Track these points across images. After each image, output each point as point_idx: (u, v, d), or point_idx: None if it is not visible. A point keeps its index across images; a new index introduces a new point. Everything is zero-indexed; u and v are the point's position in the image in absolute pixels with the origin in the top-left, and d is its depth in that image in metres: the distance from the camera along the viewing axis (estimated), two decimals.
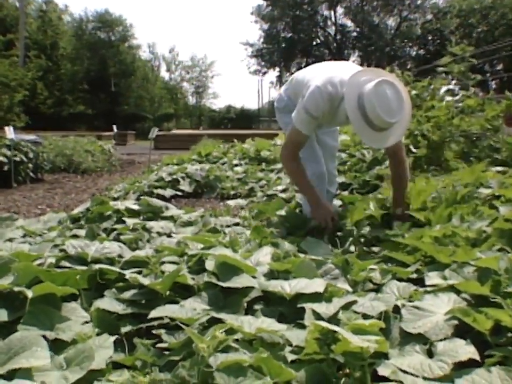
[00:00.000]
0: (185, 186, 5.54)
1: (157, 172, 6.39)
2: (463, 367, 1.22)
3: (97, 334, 1.49)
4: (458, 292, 1.55)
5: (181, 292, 1.81)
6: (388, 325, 1.44)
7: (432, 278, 1.72)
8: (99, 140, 13.01)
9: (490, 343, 1.32)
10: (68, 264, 2.02)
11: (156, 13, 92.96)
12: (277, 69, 42.90)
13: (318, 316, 1.52)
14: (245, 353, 1.29)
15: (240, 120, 37.60)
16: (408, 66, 34.14)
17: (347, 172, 4.55)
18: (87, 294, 1.78)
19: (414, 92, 5.05)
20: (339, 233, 2.67)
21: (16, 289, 1.60)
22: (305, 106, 2.69)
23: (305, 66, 3.40)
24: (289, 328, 1.48)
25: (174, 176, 5.70)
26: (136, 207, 3.43)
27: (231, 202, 4.59)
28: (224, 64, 76.25)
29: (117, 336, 1.49)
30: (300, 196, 3.36)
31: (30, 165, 7.75)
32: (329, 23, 41.82)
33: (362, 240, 2.56)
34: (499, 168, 3.61)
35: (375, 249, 2.35)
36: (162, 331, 1.54)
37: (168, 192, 5.25)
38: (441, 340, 1.33)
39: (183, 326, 1.45)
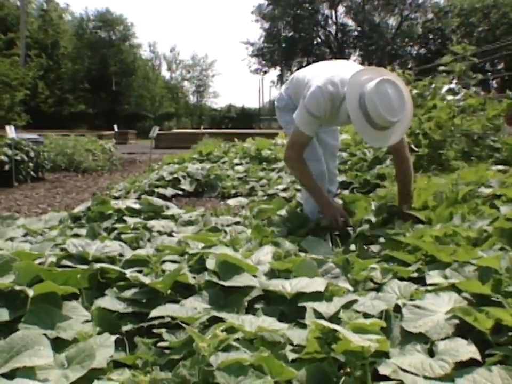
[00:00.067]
0: (186, 185, 5.54)
1: (157, 171, 6.39)
2: (464, 366, 1.22)
3: (98, 333, 1.49)
4: (459, 291, 1.55)
5: (182, 290, 1.81)
6: (389, 324, 1.44)
7: (433, 277, 1.72)
8: (100, 139, 13.03)
9: (491, 342, 1.32)
10: (68, 263, 2.02)
11: (157, 12, 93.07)
12: (278, 68, 42.90)
13: (318, 315, 1.52)
14: (246, 352, 1.29)
15: (241, 119, 37.62)
16: (409, 66, 34.13)
17: (348, 171, 4.55)
18: (88, 293, 1.78)
19: (415, 91, 5.05)
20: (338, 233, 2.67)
21: (17, 288, 1.61)
22: (307, 107, 2.69)
23: (306, 65, 3.40)
24: (290, 327, 1.48)
25: (175, 175, 5.70)
26: (137, 206, 3.43)
27: (232, 202, 4.59)
28: (225, 63, 76.47)
29: (117, 335, 1.49)
30: (301, 195, 3.36)
31: (31, 164, 7.76)
32: (330, 22, 41.83)
33: (363, 239, 2.56)
34: (500, 167, 3.61)
35: (375, 248, 2.35)
36: (163, 330, 1.54)
37: (169, 191, 5.25)
38: (442, 339, 1.33)
39: (184, 325, 1.45)
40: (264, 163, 6.66)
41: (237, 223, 3.25)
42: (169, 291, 1.79)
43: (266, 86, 78.97)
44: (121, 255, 2.18)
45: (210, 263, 1.89)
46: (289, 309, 1.64)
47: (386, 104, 2.42)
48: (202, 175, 5.69)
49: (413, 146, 4.22)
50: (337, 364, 1.29)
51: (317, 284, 1.66)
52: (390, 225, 2.60)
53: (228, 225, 3.12)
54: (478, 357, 1.23)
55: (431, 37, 38.91)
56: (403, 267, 1.91)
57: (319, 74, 2.78)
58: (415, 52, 40.76)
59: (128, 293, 1.77)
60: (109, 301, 1.70)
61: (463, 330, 1.36)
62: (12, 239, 2.74)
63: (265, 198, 4.57)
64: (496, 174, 3.27)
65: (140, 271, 1.97)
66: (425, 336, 1.35)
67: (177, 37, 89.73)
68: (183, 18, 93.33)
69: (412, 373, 1.21)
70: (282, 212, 3.20)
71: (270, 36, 41.25)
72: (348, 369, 1.28)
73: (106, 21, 37.28)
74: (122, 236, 2.67)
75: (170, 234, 2.85)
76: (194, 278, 1.86)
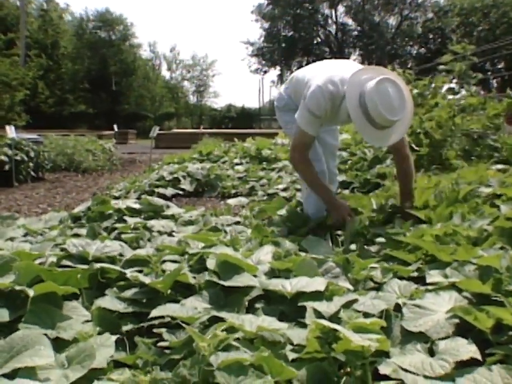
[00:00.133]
0: (186, 185, 5.54)
1: (157, 171, 6.40)
2: (464, 365, 1.21)
3: (99, 333, 1.49)
4: (459, 290, 1.55)
5: (182, 290, 1.81)
6: (389, 323, 1.44)
7: (433, 276, 1.72)
8: (100, 139, 13.03)
9: (491, 341, 1.32)
10: (69, 263, 2.02)
11: (157, 12, 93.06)
12: (278, 67, 42.91)
13: (319, 315, 1.52)
14: (246, 352, 1.29)
15: (241, 119, 37.60)
16: (409, 65, 34.14)
17: (348, 170, 4.55)
18: (88, 292, 1.78)
19: (415, 91, 5.05)
20: (339, 232, 2.67)
21: (17, 288, 1.61)
22: (308, 107, 2.69)
23: (305, 65, 3.40)
24: (290, 326, 1.48)
25: (175, 175, 5.70)
26: (137, 206, 3.43)
27: (232, 201, 4.59)
28: (225, 63, 76.47)
29: (118, 335, 1.49)
30: (301, 195, 3.36)
31: (31, 164, 7.76)
32: (330, 21, 41.82)
33: (363, 238, 2.56)
34: (500, 167, 3.61)
35: (376, 247, 2.35)
36: (163, 330, 1.54)
37: (169, 191, 5.25)
38: (442, 339, 1.33)
39: (184, 325, 1.45)
40: (264, 163, 6.66)
41: (237, 222, 3.25)
42: (169, 291, 1.79)
43: (266, 86, 79.16)
44: (121, 255, 2.18)
45: (211, 263, 1.88)
46: (289, 308, 1.63)
47: (386, 103, 2.42)
48: (202, 175, 5.69)
49: (413, 145, 4.22)
50: (338, 363, 1.29)
51: (317, 284, 1.66)
52: (390, 225, 2.60)
53: (228, 225, 3.12)
54: (479, 357, 1.23)
55: (431, 36, 38.91)
56: (403, 266, 1.91)
57: (319, 73, 2.78)
58: (415, 52, 40.77)
59: (128, 293, 1.77)
60: (109, 301, 1.70)
61: (464, 329, 1.36)
62: (12, 239, 2.74)
63: (265, 197, 4.57)
64: (496, 173, 3.27)
65: (140, 271, 1.97)
66: (426, 335, 1.35)
67: (177, 37, 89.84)
68: (183, 18, 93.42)
69: (412, 373, 1.21)
70: (283, 212, 3.21)
71: (270, 36, 41.25)
72: (348, 369, 1.28)
73: (106, 21, 37.28)
74: (123, 236, 2.67)
75: (170, 234, 2.85)
76: (194, 277, 1.86)
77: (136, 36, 45.45)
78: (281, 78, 41.50)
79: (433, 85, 5.18)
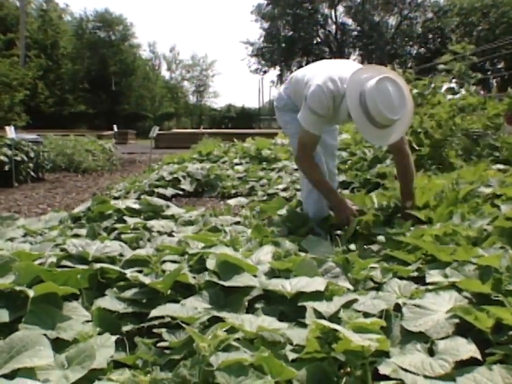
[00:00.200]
0: (186, 185, 5.54)
1: (157, 171, 6.39)
2: (464, 365, 1.21)
3: (99, 333, 1.49)
4: (459, 290, 1.55)
5: (182, 290, 1.81)
6: (389, 323, 1.44)
7: (433, 276, 1.72)
8: (99, 139, 13.01)
9: (491, 341, 1.32)
10: (68, 264, 2.02)
11: (156, 12, 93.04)
12: (278, 67, 42.88)
13: (319, 315, 1.52)
14: (246, 352, 1.29)
15: (240, 119, 37.61)
16: (409, 65, 34.14)
17: (348, 170, 4.55)
18: (88, 293, 1.78)
19: (415, 91, 5.05)
20: (339, 232, 2.67)
21: (17, 288, 1.61)
22: (310, 106, 2.69)
23: (305, 65, 3.40)
24: (290, 326, 1.48)
25: (175, 175, 5.70)
26: (137, 206, 3.43)
27: (232, 201, 4.59)
28: (225, 63, 76.45)
29: (118, 335, 1.49)
30: (301, 194, 3.36)
31: (31, 164, 7.76)
32: (329, 21, 41.79)
33: (363, 238, 2.56)
34: (500, 167, 3.61)
35: (376, 247, 2.35)
36: (163, 330, 1.54)
37: (169, 191, 5.25)
38: (442, 338, 1.33)
39: (184, 325, 1.45)
40: (264, 163, 6.66)
41: (237, 222, 3.25)
42: (169, 291, 1.79)
43: (266, 86, 79.02)
44: (121, 255, 2.18)
45: (211, 263, 1.88)
46: (289, 308, 1.63)
47: (386, 102, 2.42)
48: (202, 175, 5.69)
49: (414, 145, 4.22)
50: (338, 363, 1.29)
51: (317, 284, 1.66)
52: (390, 225, 2.60)
53: (228, 225, 3.12)
54: (478, 356, 1.23)
55: (430, 36, 38.90)
56: (403, 266, 1.91)
57: (319, 73, 2.78)
58: (414, 51, 40.76)
59: (128, 293, 1.77)
60: (109, 301, 1.70)
61: (464, 329, 1.36)
62: (12, 239, 2.74)
63: (265, 197, 4.57)
64: (496, 173, 3.27)
65: (140, 271, 1.97)
66: (426, 335, 1.35)
67: (177, 37, 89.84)
68: (182, 18, 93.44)
69: (412, 372, 1.21)
70: (283, 212, 3.21)
71: (270, 36, 41.24)
72: (348, 369, 1.28)
73: (105, 21, 37.27)
74: (122, 236, 2.66)
75: (170, 234, 2.85)
76: (194, 278, 1.86)
77: (136, 36, 45.53)
78: (280, 78, 41.48)
79: (432, 85, 5.18)
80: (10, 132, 7.22)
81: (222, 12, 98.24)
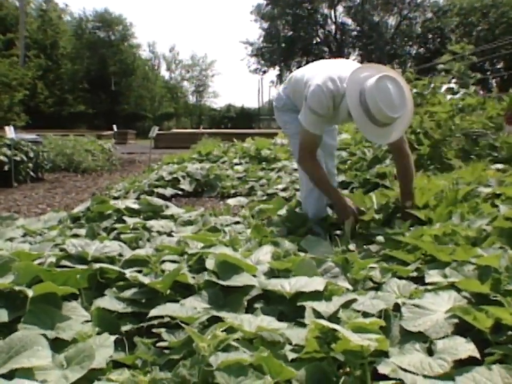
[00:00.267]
0: (186, 185, 5.54)
1: (157, 171, 6.39)
2: (463, 365, 1.21)
3: (98, 333, 1.49)
4: (458, 290, 1.55)
5: (181, 290, 1.81)
6: (388, 323, 1.44)
7: (433, 276, 1.72)
8: (99, 139, 13.01)
9: (490, 341, 1.32)
10: (68, 264, 2.02)
11: (156, 12, 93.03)
12: (277, 67, 42.88)
13: (318, 315, 1.52)
14: (245, 352, 1.29)
15: (240, 119, 37.62)
16: (409, 65, 34.16)
17: (347, 170, 4.55)
18: (87, 293, 1.78)
19: (415, 90, 5.06)
20: (338, 232, 2.67)
21: (16, 288, 1.61)
22: (310, 106, 2.69)
23: (305, 65, 3.40)
24: (289, 326, 1.48)
25: (174, 175, 5.70)
26: (136, 206, 3.42)
27: (231, 201, 4.59)
28: (224, 63, 76.42)
29: (117, 335, 1.49)
30: (300, 194, 3.36)
31: (30, 164, 7.76)
32: (329, 21, 41.79)
33: (362, 238, 2.56)
34: (499, 166, 3.61)
35: (375, 247, 2.35)
36: (163, 330, 1.54)
37: (169, 191, 5.25)
38: (441, 338, 1.33)
39: (183, 325, 1.45)
40: (264, 163, 6.66)
41: (237, 222, 3.25)
42: (168, 291, 1.79)
43: (265, 86, 79.07)
44: (120, 255, 2.18)
45: (210, 263, 1.88)
46: (288, 308, 1.63)
47: (387, 100, 2.42)
48: (201, 175, 5.69)
49: (414, 144, 4.22)
50: (337, 363, 1.29)
51: (316, 283, 1.66)
52: (389, 225, 2.60)
53: (227, 225, 3.12)
54: (477, 355, 1.23)
55: (430, 36, 38.91)
56: (402, 266, 1.91)
57: (318, 73, 2.78)
58: (414, 51, 40.78)
59: (128, 293, 1.77)
60: (108, 301, 1.70)
61: (463, 329, 1.36)
62: (11, 239, 2.74)
63: (264, 197, 4.57)
64: (495, 173, 3.27)
65: (139, 271, 1.97)
66: (425, 335, 1.35)
67: (176, 37, 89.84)
68: (182, 18, 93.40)
69: (411, 372, 1.21)
70: (282, 212, 3.21)
71: (269, 36, 41.23)
72: (347, 369, 1.28)
73: (105, 21, 37.27)
74: (122, 236, 2.66)
75: (169, 234, 2.85)
76: (193, 277, 1.86)
77: (136, 36, 45.51)
78: (280, 78, 41.47)
79: (432, 85, 5.19)
80: (9, 132, 7.22)
81: (221, 12, 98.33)
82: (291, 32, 41.08)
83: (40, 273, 1.72)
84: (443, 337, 1.33)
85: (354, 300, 1.59)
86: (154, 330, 1.57)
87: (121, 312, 1.67)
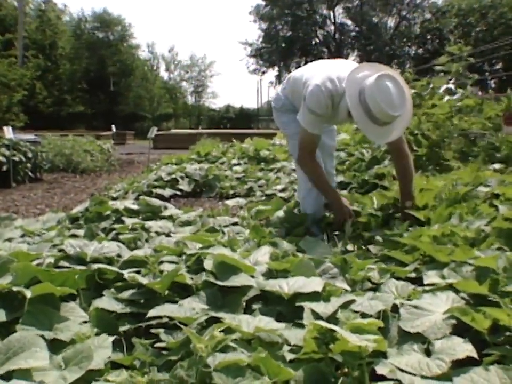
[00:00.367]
0: (184, 185, 5.54)
1: (156, 172, 6.39)
2: (461, 365, 1.22)
3: (96, 334, 1.49)
4: (456, 291, 1.55)
5: (180, 291, 1.81)
6: (386, 324, 1.44)
7: (431, 277, 1.72)
8: (98, 139, 12.99)
9: (488, 342, 1.32)
10: (66, 264, 2.02)
11: (155, 13, 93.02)
12: (276, 68, 42.89)
13: (316, 315, 1.52)
14: (243, 352, 1.29)
15: (239, 120, 37.61)
16: (407, 66, 34.19)
17: (346, 171, 4.55)
18: (85, 293, 1.78)
19: (413, 91, 5.06)
20: (337, 232, 2.67)
21: (14, 289, 1.60)
22: (309, 106, 2.69)
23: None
24: (287, 327, 1.48)
25: (173, 176, 5.70)
26: (135, 206, 3.42)
27: (230, 202, 4.59)
28: (223, 64, 76.19)
29: (115, 336, 1.48)
30: (297, 194, 3.37)
31: (29, 165, 7.75)
32: (328, 22, 41.81)
33: (361, 239, 2.56)
34: (498, 167, 3.61)
35: (373, 248, 2.35)
36: (161, 330, 1.54)
37: (167, 192, 5.25)
38: (439, 339, 1.33)
39: (182, 326, 1.45)
40: (263, 163, 6.66)
41: (235, 223, 3.25)
42: (167, 292, 1.79)
43: (264, 87, 79.25)
44: (119, 255, 2.18)
45: (208, 264, 1.88)
46: (286, 309, 1.63)
47: (387, 98, 2.42)
48: (200, 176, 5.69)
49: (413, 145, 4.23)
50: (335, 364, 1.29)
51: (315, 284, 1.66)
52: (388, 225, 2.61)
53: (225, 226, 3.12)
54: (475, 355, 1.24)
55: (429, 37, 38.92)
56: (401, 267, 1.92)
57: (317, 73, 2.78)
58: (413, 52, 40.80)
59: (126, 294, 1.77)
60: (106, 302, 1.70)
61: (461, 330, 1.36)
62: (9, 239, 2.73)
63: (263, 198, 4.58)
64: (494, 173, 3.28)
65: (138, 272, 1.97)
66: (423, 336, 1.36)
67: (175, 37, 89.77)
68: (181, 19, 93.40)
69: (409, 373, 1.22)
70: (280, 212, 3.20)
71: (268, 36, 41.23)
72: (346, 370, 1.28)
73: (104, 21, 37.25)
74: (120, 237, 2.66)
75: (168, 235, 2.84)
76: (192, 278, 1.86)
77: (135, 37, 45.48)
78: (279, 79, 41.47)
79: (431, 86, 5.19)
80: (8, 132, 7.22)
81: (220, 13, 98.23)
82: (290, 33, 41.09)
83: (38, 274, 1.72)
84: (441, 338, 1.33)
85: (352, 301, 1.60)
86: (152, 330, 1.57)
87: (120, 313, 1.67)
